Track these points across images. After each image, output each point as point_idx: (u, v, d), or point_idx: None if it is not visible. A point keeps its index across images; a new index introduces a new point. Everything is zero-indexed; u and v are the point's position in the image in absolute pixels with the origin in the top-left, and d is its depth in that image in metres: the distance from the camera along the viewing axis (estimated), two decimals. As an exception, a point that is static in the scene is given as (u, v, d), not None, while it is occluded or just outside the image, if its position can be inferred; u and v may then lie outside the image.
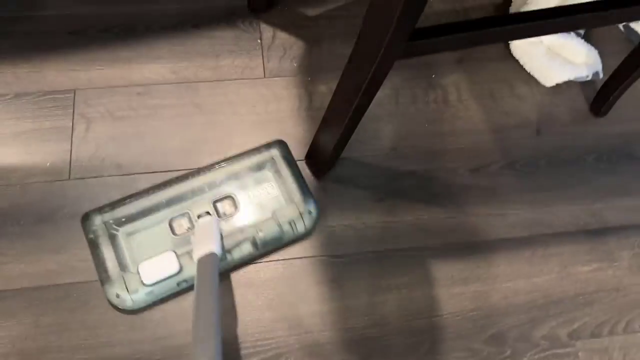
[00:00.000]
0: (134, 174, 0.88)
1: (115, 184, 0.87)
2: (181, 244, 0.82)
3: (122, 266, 0.80)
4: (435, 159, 0.95)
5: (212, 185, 0.86)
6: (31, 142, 0.89)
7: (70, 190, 0.86)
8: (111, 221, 0.81)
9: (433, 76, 1.02)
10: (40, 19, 0.99)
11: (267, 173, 0.88)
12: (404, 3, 0.48)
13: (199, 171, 0.87)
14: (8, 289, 0.79)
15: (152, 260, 0.79)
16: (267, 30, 1.03)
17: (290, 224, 0.84)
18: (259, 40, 1.02)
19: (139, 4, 1.02)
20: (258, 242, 0.83)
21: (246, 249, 0.83)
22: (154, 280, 0.78)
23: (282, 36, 1.03)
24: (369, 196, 0.91)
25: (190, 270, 0.79)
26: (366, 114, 0.73)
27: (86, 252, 0.82)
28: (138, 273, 0.78)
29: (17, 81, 0.93)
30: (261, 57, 1.01)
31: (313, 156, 0.90)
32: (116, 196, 0.85)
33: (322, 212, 0.89)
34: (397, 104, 0.99)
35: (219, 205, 0.85)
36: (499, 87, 1.02)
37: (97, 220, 0.82)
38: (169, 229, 0.83)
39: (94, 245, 0.81)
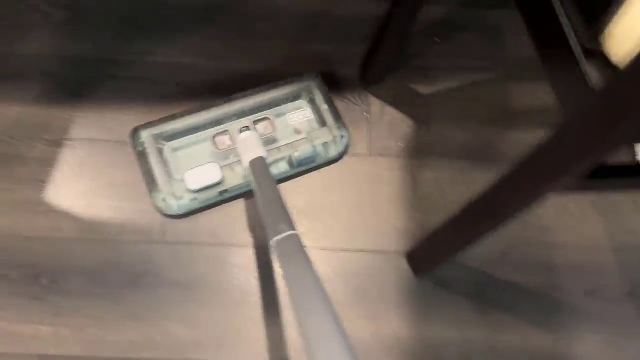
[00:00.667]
0: (230, 245, 0.84)
1: (209, 254, 0.83)
2: (223, 157, 0.89)
3: (169, 175, 0.85)
4: (547, 273, 0.87)
5: (252, 109, 0.92)
6: (127, 195, 0.87)
7: (160, 255, 0.83)
8: (158, 136, 0.87)
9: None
10: (151, 65, 0.96)
11: (303, 101, 0.95)
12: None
13: (240, 96, 0.92)
14: (85, 355, 0.75)
15: (196, 169, 0.84)
16: (375, 104, 0.98)
17: (323, 145, 0.91)
18: (366, 114, 0.96)
19: (249, 64, 0.97)
20: (294, 160, 0.89)
21: (283, 166, 0.90)
22: (199, 187, 0.84)
23: (391, 112, 0.98)
24: (472, 306, 0.83)
25: (232, 181, 0.86)
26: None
27: (172, 326, 0.79)
28: (183, 180, 0.84)
29: (119, 128, 0.90)
30: (367, 132, 0.95)
31: (419, 254, 0.83)
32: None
33: (422, 316, 0.82)
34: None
35: (258, 125, 0.91)
36: (624, 201, 0.93)
37: (145, 134, 0.86)
38: (212, 144, 0.89)
39: (142, 157, 0.86)
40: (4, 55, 0.96)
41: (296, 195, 0.90)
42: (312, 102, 0.95)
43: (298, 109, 0.95)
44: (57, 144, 0.90)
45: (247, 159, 0.81)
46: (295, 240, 0.61)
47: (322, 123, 0.93)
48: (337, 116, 0.94)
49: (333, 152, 0.92)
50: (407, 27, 0.90)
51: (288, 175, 0.91)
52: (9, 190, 0.86)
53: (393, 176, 0.94)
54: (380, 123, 0.98)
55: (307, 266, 0.56)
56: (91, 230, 0.85)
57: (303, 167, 0.92)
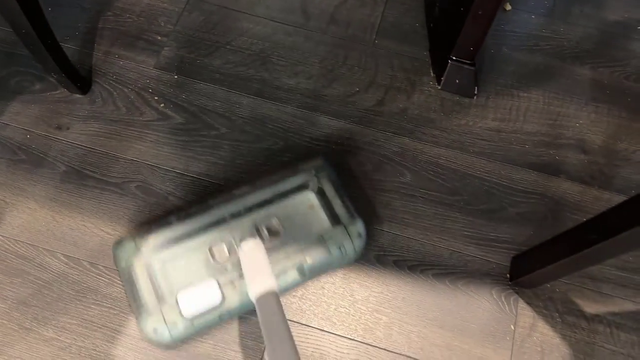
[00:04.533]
0: None
1: None
2: (222, 271, 0.73)
3: (159, 297, 0.70)
4: None
5: (252, 208, 0.78)
6: None
7: None
8: (145, 248, 0.73)
9: None
10: None
11: (310, 194, 0.80)
12: None
13: (238, 194, 0.78)
14: None
15: (191, 289, 0.70)
16: (525, 315, 0.77)
17: (340, 248, 0.76)
18: (512, 327, 0.75)
19: (377, 221, 0.80)
20: (305, 268, 0.74)
21: (291, 276, 0.74)
22: (195, 313, 0.69)
23: (543, 331, 0.77)
24: None
25: (234, 301, 0.71)
26: None
27: None
28: (177, 304, 0.69)
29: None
30: (510, 352, 0.74)
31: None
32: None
33: None
34: None
35: (261, 228, 0.77)
36: None
37: (130, 247, 0.73)
38: (208, 255, 0.75)
39: (126, 275, 0.72)
40: (113, 157, 0.87)
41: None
42: (321, 193, 0.80)
43: (306, 203, 0.80)
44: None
45: (253, 291, 0.65)
46: None
47: (335, 219, 0.78)
48: (351, 210, 0.79)
49: (350, 252, 0.77)
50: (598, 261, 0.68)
51: (298, 283, 0.76)
52: (74, 334, 0.75)
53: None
54: (528, 344, 0.77)
55: None
56: None
57: (316, 274, 0.77)
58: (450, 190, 0.89)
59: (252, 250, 0.70)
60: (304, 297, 0.79)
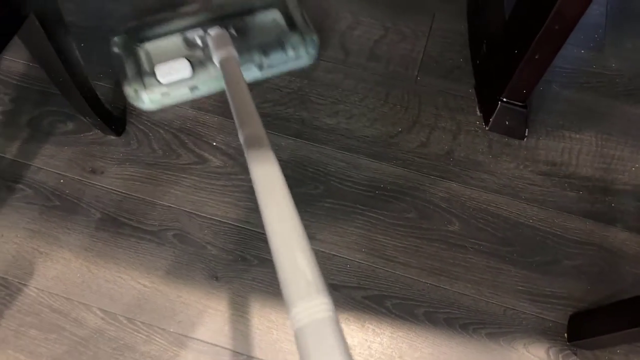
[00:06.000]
0: None
1: None
2: (193, 55, 0.90)
3: (141, 70, 0.88)
4: None
5: (225, 14, 0.93)
6: None
7: None
8: (135, 37, 0.91)
9: None
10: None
11: (276, 11, 0.96)
12: None
13: (216, 3, 0.95)
14: None
15: (167, 63, 0.87)
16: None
17: (294, 49, 0.91)
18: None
19: (426, 274, 0.76)
20: (263, 63, 0.89)
21: (252, 70, 0.89)
22: (169, 80, 0.86)
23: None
24: None
25: (202, 79, 0.87)
26: None
27: None
28: (154, 73, 0.86)
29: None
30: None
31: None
32: None
33: None
34: None
35: (229, 26, 0.91)
36: None
37: (123, 39, 0.91)
38: (182, 41, 0.92)
39: (117, 58, 0.89)
40: (150, 203, 0.85)
41: None
42: (285, 7, 0.95)
43: (271, 17, 0.95)
44: (179, 342, 0.77)
45: (217, 56, 0.80)
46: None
47: (293, 26, 0.93)
48: (308, 23, 0.93)
49: (303, 56, 0.92)
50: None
51: (257, 78, 0.92)
52: None
53: None
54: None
55: (271, 159, 0.53)
56: None
57: (272, 71, 0.92)
58: (501, 241, 0.84)
59: (218, 34, 0.86)
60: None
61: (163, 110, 0.93)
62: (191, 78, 0.87)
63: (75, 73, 0.73)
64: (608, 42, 1.04)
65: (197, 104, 0.94)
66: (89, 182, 0.87)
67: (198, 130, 0.92)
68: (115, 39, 0.91)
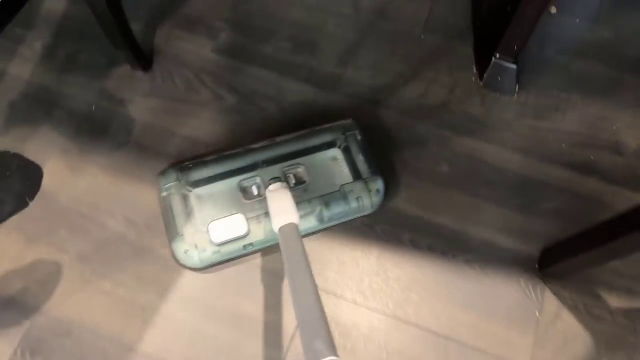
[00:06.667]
0: None
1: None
2: (250, 208, 0.83)
3: (192, 224, 0.80)
4: None
5: (283, 157, 0.86)
6: (246, 339, 0.77)
7: None
8: (185, 181, 0.82)
9: None
10: None
11: (337, 150, 0.89)
12: None
13: (272, 144, 0.87)
14: None
15: (221, 220, 0.79)
16: (550, 304, 0.81)
17: (357, 199, 0.83)
18: (537, 313, 0.79)
19: (413, 206, 0.85)
20: (324, 215, 0.82)
21: (311, 221, 0.82)
22: (223, 240, 0.78)
23: (568, 320, 0.80)
24: None
25: (258, 235, 0.80)
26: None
27: None
28: (207, 232, 0.78)
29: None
30: (533, 337, 0.77)
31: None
32: None
33: None
34: None
35: (288, 175, 0.86)
36: None
37: (172, 178, 0.83)
38: (239, 192, 0.84)
39: (166, 203, 0.81)
40: (170, 132, 0.94)
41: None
42: (347, 151, 0.88)
43: (332, 158, 0.89)
44: None
45: (277, 223, 0.74)
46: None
47: (356, 174, 0.86)
48: (373, 167, 0.86)
49: (367, 205, 0.84)
50: (625, 254, 0.71)
51: (317, 230, 0.84)
52: (129, 290, 0.82)
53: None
54: (552, 331, 0.80)
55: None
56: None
57: (333, 223, 0.84)
58: (485, 183, 0.93)
59: (278, 192, 0.80)
60: (339, 272, 0.85)
61: (187, 52, 1.03)
62: (246, 236, 0.79)
63: (113, 3, 0.83)
64: (603, 13, 1.11)
65: (217, 48, 1.04)
66: (117, 111, 0.97)
67: (217, 71, 1.01)
68: (164, 182, 0.83)
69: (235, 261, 0.82)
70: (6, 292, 0.82)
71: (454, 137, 0.96)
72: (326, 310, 0.64)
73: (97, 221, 0.87)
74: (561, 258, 0.81)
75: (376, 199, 0.84)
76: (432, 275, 0.85)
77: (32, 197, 0.88)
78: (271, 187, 0.82)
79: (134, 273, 0.83)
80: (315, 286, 0.64)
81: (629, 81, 1.03)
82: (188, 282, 0.83)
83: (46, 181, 0.90)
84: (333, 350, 0.54)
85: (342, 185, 0.84)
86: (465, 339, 0.81)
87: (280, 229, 0.74)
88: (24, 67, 1.00)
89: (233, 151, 0.86)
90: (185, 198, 0.82)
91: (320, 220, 0.82)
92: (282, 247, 0.71)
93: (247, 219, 0.79)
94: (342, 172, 0.87)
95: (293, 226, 0.74)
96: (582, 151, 0.96)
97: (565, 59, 1.05)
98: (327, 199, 0.82)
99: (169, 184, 0.82)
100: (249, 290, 0.83)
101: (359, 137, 0.88)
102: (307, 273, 0.66)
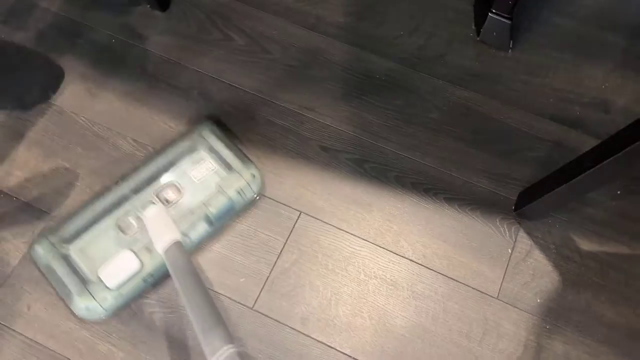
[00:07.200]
0: (313, 338, 0.82)
1: (290, 340, 0.82)
2: (134, 241, 0.81)
3: (83, 279, 0.78)
4: None
5: (150, 180, 0.85)
6: (237, 254, 0.87)
7: (247, 321, 0.83)
8: (59, 241, 0.80)
9: None
10: (308, 121, 0.96)
11: (202, 152, 0.88)
12: None
13: (134, 171, 0.86)
14: None
15: (109, 263, 0.77)
16: (523, 243, 0.86)
17: (238, 192, 0.84)
18: (509, 250, 0.84)
19: (402, 148, 0.94)
20: (211, 217, 0.83)
21: (201, 227, 0.83)
22: (118, 282, 0.77)
23: (539, 258, 0.85)
24: None
25: (153, 264, 0.79)
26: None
27: None
28: (100, 280, 0.77)
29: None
30: (503, 271, 0.83)
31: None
32: None
33: None
34: None
35: (162, 195, 0.85)
36: None
37: (45, 245, 0.79)
38: (117, 231, 0.82)
39: (48, 269, 0.79)
40: (182, 66, 1.01)
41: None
42: (212, 150, 0.87)
43: (199, 161, 0.88)
44: None
45: (160, 247, 0.75)
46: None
47: (228, 168, 0.86)
48: (242, 156, 0.87)
49: (249, 194, 0.86)
50: (592, 188, 0.76)
51: (210, 233, 0.85)
52: None
53: (515, 333, 0.82)
54: (522, 266, 0.86)
55: None
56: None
57: (224, 221, 0.86)
58: (472, 130, 0.98)
59: (154, 215, 0.80)
60: (327, 201, 0.91)
61: (202, -5, 1.09)
62: (141, 269, 0.78)
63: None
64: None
65: (230, -7, 1.10)
66: (135, 44, 1.04)
67: (229, 14, 1.08)
68: (37, 248, 0.79)
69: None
70: (24, 197, 0.90)
71: (447, 86, 1.02)
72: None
73: (110, 141, 0.95)
74: (535, 198, 0.86)
75: (255, 185, 0.85)
76: (413, 209, 0.91)
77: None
78: (146, 212, 0.81)
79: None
80: (208, 294, 0.70)
81: (622, 45, 1.06)
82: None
83: (66, 102, 0.98)
84: (230, 339, 0.64)
85: (217, 183, 0.85)
86: (438, 268, 0.87)
87: (165, 252, 0.74)
88: (52, 1, 1.08)
89: (98, 194, 0.85)
90: (66, 257, 0.79)
91: (210, 223, 0.83)
92: (170, 271, 0.72)
93: (136, 253, 0.78)
94: (214, 171, 0.87)
95: (176, 245, 0.75)
96: (569, 106, 1.00)
97: (562, 21, 1.09)
98: (208, 202, 0.82)
99: (44, 252, 0.79)
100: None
101: (219, 133, 0.88)
102: (197, 282, 0.70)
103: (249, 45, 1.05)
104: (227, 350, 0.62)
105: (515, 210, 0.91)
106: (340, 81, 1.02)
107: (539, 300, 0.85)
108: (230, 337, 0.64)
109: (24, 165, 0.93)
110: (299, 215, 0.90)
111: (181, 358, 0.81)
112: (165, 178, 0.86)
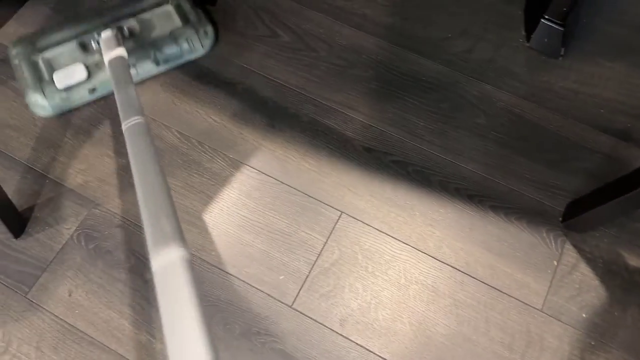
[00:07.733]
0: (351, 340, 0.81)
1: (328, 340, 0.80)
2: (91, 59, 0.96)
3: (41, 79, 0.93)
4: None
5: (119, 18, 0.99)
6: (278, 244, 0.87)
7: (285, 319, 0.82)
8: (32, 47, 0.96)
9: None
10: (351, 121, 0.96)
11: (169, 6, 1.01)
12: None
13: (108, 8, 1.01)
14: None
15: (63, 69, 0.93)
16: (569, 255, 0.84)
17: (187, 41, 0.97)
18: (555, 262, 0.82)
19: (446, 152, 0.93)
20: (158, 57, 0.96)
21: (147, 64, 0.96)
22: (66, 85, 0.92)
23: (585, 272, 0.83)
24: None
25: (100, 78, 0.94)
26: None
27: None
28: (52, 81, 0.92)
29: (297, 173, 0.86)
30: (549, 283, 0.81)
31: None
32: None
33: None
34: None
35: (122, 29, 0.97)
36: None
37: (20, 48, 0.96)
38: (78, 47, 0.97)
39: (18, 67, 0.95)
40: (227, 61, 1.02)
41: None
42: (179, 7, 1.01)
43: (164, 14, 1.01)
44: (235, 165, 0.92)
45: (107, 58, 0.86)
46: (142, 127, 0.68)
47: (186, 22, 0.99)
48: (202, 17, 1.00)
49: (199, 48, 0.98)
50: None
51: (155, 73, 0.98)
52: (177, 194, 0.88)
53: (559, 347, 0.80)
54: (567, 279, 0.84)
55: (151, 151, 0.63)
56: (224, 263, 0.85)
57: (169, 65, 0.98)
58: (520, 137, 0.96)
59: (109, 37, 0.91)
60: (369, 202, 0.90)
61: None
62: (88, 81, 0.93)
63: None
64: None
65: (278, -11, 1.10)
66: (181, 37, 1.04)
67: (276, 11, 1.07)
68: (13, 49, 0.96)
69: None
70: (69, 183, 0.91)
71: (495, 92, 1.00)
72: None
73: (155, 132, 0.95)
74: (584, 210, 0.84)
75: (206, 41, 0.98)
76: (456, 215, 0.90)
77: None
78: (103, 34, 0.93)
79: (184, 180, 0.91)
80: (132, 84, 0.77)
81: (678, 56, 1.03)
82: (229, 196, 0.90)
83: (112, 92, 0.99)
84: (141, 112, 0.70)
85: (172, 31, 0.97)
86: (481, 277, 0.86)
87: (109, 62, 0.85)
88: None
89: (73, 19, 0.99)
90: (34, 62, 0.95)
91: (156, 62, 0.96)
92: (111, 74, 0.82)
93: (87, 66, 0.93)
94: (174, 24, 0.99)
95: (120, 59, 0.84)
96: (619, 117, 0.98)
97: (614, 29, 1.06)
98: (158, 43, 0.96)
99: (18, 51, 0.95)
100: (282, 207, 0.89)
101: None
102: (127, 79, 0.79)
103: (294, 42, 1.04)
104: (138, 118, 0.69)
105: (562, 221, 0.89)
106: (385, 82, 1.00)
107: (584, 315, 0.83)
108: (142, 112, 0.71)
109: (71, 154, 0.94)
110: (340, 215, 0.89)
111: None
112: (131, 20, 0.99)
